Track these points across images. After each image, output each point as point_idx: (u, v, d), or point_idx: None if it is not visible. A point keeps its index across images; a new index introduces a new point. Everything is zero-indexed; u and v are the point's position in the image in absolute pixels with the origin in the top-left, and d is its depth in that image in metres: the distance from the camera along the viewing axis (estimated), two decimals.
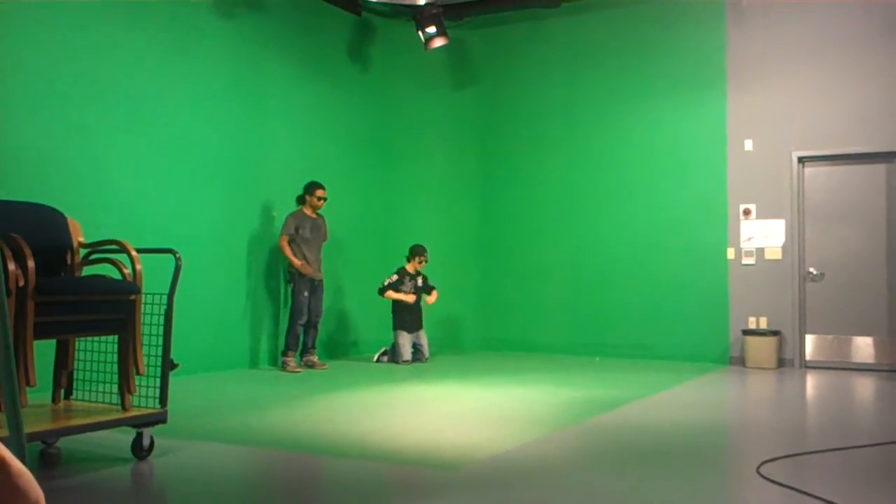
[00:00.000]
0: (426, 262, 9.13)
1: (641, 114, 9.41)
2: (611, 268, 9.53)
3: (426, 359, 9.01)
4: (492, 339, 10.19)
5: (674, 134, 9.25)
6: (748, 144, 8.85)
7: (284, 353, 8.26)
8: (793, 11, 8.71)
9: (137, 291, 4.28)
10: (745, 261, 8.84)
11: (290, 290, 8.41)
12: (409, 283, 9.06)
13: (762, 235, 8.78)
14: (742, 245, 8.86)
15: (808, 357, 8.65)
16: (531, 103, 10.07)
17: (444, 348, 9.99)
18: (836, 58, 8.52)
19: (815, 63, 8.61)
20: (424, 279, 9.23)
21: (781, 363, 8.60)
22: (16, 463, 1.14)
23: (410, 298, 8.92)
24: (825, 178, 8.66)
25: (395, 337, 8.91)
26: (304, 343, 8.41)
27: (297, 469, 4.40)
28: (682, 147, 9.18)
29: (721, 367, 8.65)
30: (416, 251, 9.08)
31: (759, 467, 4.11)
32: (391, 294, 8.91)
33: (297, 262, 8.19)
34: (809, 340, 8.66)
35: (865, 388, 7.40)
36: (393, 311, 9.00)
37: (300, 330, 8.29)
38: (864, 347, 8.44)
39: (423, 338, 9.10)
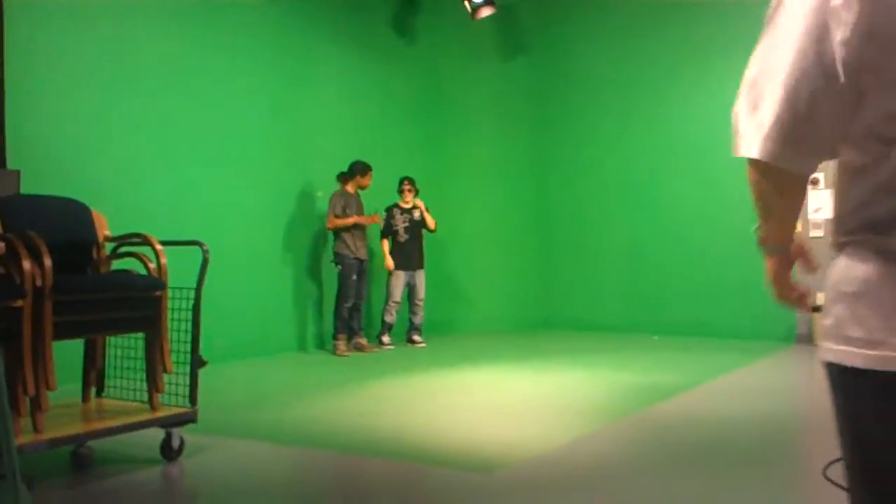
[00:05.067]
0: (416, 191, 8.53)
1: (699, 79, 8.93)
2: (670, 242, 9.12)
3: (419, 304, 8.51)
4: (548, 318, 9.90)
5: (734, 99, 8.74)
6: None
7: (335, 337, 8.11)
8: None
9: (162, 287, 4.11)
10: (814, 233, 8.34)
11: (337, 272, 8.21)
12: (402, 217, 8.46)
13: (831, 206, 8.27)
14: (810, 216, 8.38)
15: None
16: (584, 72, 9.66)
17: (500, 327, 9.75)
18: None
19: None
20: (422, 213, 8.49)
21: None
22: None
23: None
24: None
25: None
26: (351, 326, 8.24)
27: (329, 470, 4.22)
28: None
29: (786, 345, 8.21)
30: (401, 182, 8.50)
31: (825, 469, 3.78)
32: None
33: (349, 220, 7.89)
34: None
35: None
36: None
37: (347, 313, 8.12)
38: None
39: (421, 277, 8.53)
